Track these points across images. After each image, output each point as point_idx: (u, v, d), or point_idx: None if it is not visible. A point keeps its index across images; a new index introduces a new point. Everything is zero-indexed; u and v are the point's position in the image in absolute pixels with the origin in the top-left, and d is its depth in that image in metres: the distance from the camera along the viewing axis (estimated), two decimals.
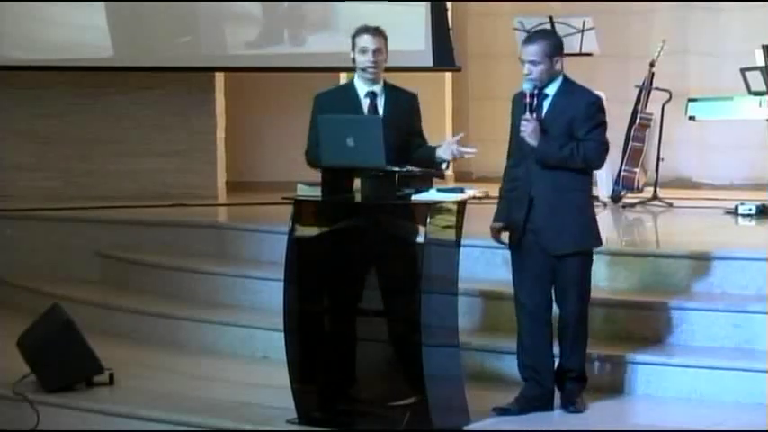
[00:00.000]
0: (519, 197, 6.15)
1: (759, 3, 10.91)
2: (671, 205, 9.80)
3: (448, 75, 12.07)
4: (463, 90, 12.43)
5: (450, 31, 10.94)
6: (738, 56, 9.99)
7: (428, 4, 10.68)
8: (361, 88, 6.36)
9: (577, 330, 6.19)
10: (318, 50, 10.35)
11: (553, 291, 6.19)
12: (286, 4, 10.76)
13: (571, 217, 6.09)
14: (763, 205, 9.16)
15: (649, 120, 9.98)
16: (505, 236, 6.30)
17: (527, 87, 6.07)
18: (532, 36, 6.27)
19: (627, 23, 11.60)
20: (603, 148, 6.11)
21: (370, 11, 10.36)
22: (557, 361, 6.25)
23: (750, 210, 9.11)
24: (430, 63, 10.73)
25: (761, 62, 9.32)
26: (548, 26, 10.02)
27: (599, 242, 6.26)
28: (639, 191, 9.94)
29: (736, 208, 9.18)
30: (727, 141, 11.20)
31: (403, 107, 6.38)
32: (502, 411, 6.14)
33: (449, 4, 11.39)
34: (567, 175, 6.05)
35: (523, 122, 6.04)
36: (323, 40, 10.40)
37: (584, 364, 6.25)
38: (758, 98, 9.34)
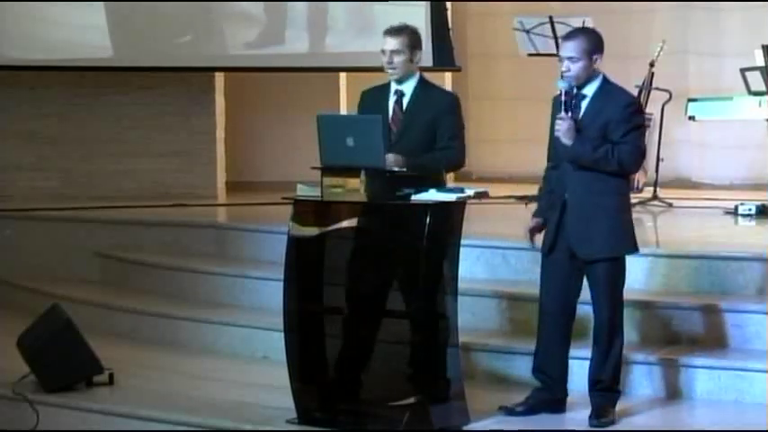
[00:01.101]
0: (554, 200, 6.04)
1: (759, 3, 10.91)
2: (671, 205, 9.80)
3: (448, 75, 12.06)
4: (463, 90, 12.40)
5: (450, 31, 10.94)
6: (738, 56, 10.00)
7: (428, 4, 10.68)
8: (393, 86, 6.33)
9: (610, 339, 6.02)
10: (318, 50, 10.37)
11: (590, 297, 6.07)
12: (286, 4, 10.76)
13: (604, 221, 5.94)
14: (763, 205, 9.16)
15: (649, 120, 9.96)
16: (539, 239, 6.18)
17: (562, 85, 5.92)
18: (572, 32, 6.13)
19: (627, 23, 11.60)
20: (639, 152, 5.94)
21: (370, 11, 10.37)
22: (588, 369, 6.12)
23: (750, 210, 9.11)
24: (430, 63, 10.71)
25: (761, 62, 9.32)
26: (548, 26, 10.04)
27: (634, 248, 6.09)
28: (639, 191, 9.93)
29: (736, 208, 9.19)
30: (727, 141, 11.21)
31: (432, 105, 6.24)
32: (508, 411, 6.12)
33: (449, 4, 11.39)
34: (601, 178, 5.89)
35: (558, 121, 5.90)
36: (323, 40, 10.42)
37: (616, 376, 6.06)
38: (758, 98, 9.34)
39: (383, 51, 6.26)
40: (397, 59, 6.19)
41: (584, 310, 6.87)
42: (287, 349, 6.18)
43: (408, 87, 6.29)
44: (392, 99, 6.31)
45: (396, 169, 5.94)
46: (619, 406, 6.10)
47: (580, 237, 5.96)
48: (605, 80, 5.99)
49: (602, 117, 5.91)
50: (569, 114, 5.90)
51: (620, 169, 5.92)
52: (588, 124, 5.91)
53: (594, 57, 5.90)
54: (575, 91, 5.93)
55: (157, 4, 10.30)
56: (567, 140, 5.89)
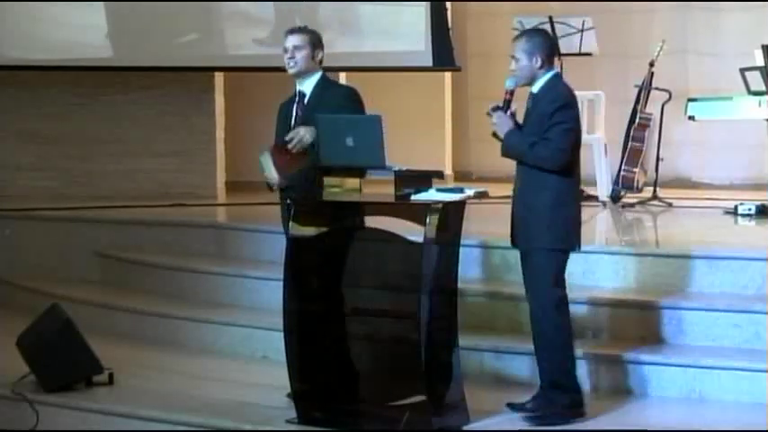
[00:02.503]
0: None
1: (759, 3, 10.91)
2: (671, 205, 9.79)
3: (448, 75, 12.07)
4: (463, 90, 12.43)
5: (450, 31, 10.94)
6: (738, 56, 9.99)
7: (428, 4, 10.68)
8: (296, 89, 6.45)
9: (543, 335, 6.04)
10: None
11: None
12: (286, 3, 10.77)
13: (540, 215, 5.99)
14: (763, 205, 9.16)
15: (649, 120, 9.97)
16: None
17: (507, 84, 6.11)
18: (519, 33, 6.31)
19: (627, 23, 11.60)
20: (557, 148, 5.94)
21: (370, 11, 10.38)
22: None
23: (750, 210, 9.11)
24: (430, 63, 10.73)
25: (761, 62, 9.31)
26: (547, 26, 10.03)
27: (568, 245, 6.06)
28: (639, 191, 9.94)
29: (736, 208, 9.18)
30: (727, 141, 11.20)
31: (329, 101, 6.33)
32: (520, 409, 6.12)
33: (449, 4, 11.39)
34: (538, 173, 5.97)
35: (494, 114, 6.06)
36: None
37: (552, 377, 6.05)
38: (758, 98, 9.33)
39: (285, 49, 6.37)
40: (299, 55, 6.33)
41: (582, 308, 6.91)
42: (287, 349, 6.18)
43: (308, 87, 6.40)
44: (295, 102, 6.42)
45: (395, 169, 5.94)
46: (621, 405, 6.10)
47: (519, 229, 6.10)
48: (553, 77, 6.11)
49: (536, 112, 6.04)
50: (508, 111, 6.06)
51: (540, 164, 5.96)
52: (527, 119, 6.07)
53: (535, 57, 6.02)
54: (514, 88, 6.08)
55: (157, 4, 10.30)
56: (499, 132, 6.06)
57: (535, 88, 6.08)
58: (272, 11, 10.71)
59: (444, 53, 10.76)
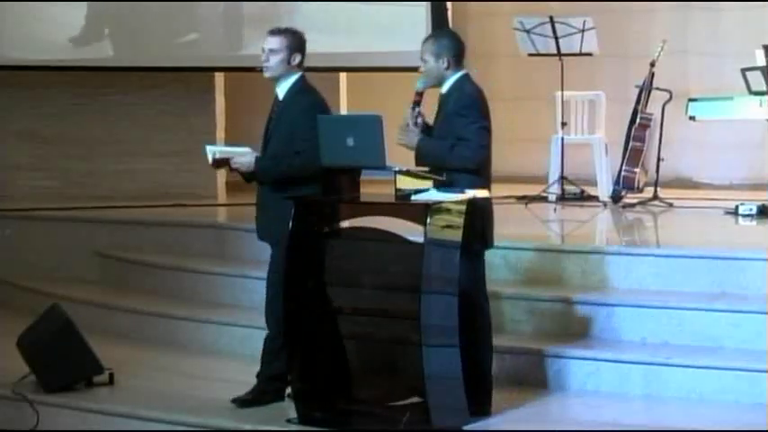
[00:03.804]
0: None
1: (759, 3, 10.90)
2: (671, 205, 9.79)
3: None
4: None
5: None
6: (738, 56, 9.98)
7: (428, 4, 10.67)
8: (276, 90, 6.44)
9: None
10: (317, 50, 10.35)
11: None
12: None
13: None
14: (763, 205, 9.15)
15: (649, 120, 9.97)
16: None
17: (417, 85, 6.17)
18: (428, 35, 6.37)
19: (627, 23, 11.59)
20: (479, 145, 5.99)
21: (370, 11, 10.37)
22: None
23: (750, 210, 9.10)
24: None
25: (761, 62, 9.31)
26: (548, 26, 10.04)
27: (479, 244, 6.07)
28: (640, 191, 9.93)
29: (737, 208, 9.17)
30: (727, 141, 11.19)
31: (292, 110, 6.31)
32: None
33: (449, 4, 11.38)
34: (452, 175, 6.00)
35: (399, 128, 6.13)
36: (322, 40, 10.41)
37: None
38: (758, 98, 9.33)
39: (262, 50, 6.37)
40: (273, 58, 6.31)
41: (582, 308, 6.91)
42: (287, 349, 6.18)
43: (282, 91, 6.39)
44: (276, 105, 6.43)
45: (395, 169, 5.94)
46: (621, 405, 6.09)
47: None
48: (461, 78, 6.15)
49: (444, 112, 6.09)
50: (416, 112, 6.13)
51: (463, 164, 5.99)
52: (437, 120, 6.13)
53: (442, 58, 6.09)
54: (424, 90, 6.13)
55: (157, 4, 10.30)
56: (410, 144, 6.08)
57: (444, 89, 6.18)
58: (272, 11, 10.70)
59: None
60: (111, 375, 6.91)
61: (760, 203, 9.17)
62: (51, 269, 9.35)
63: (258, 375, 6.45)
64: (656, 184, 9.92)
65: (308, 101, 6.34)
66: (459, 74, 6.14)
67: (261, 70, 6.41)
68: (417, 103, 6.15)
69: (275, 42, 6.32)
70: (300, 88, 6.38)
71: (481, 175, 6.06)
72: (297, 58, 6.34)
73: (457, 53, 6.15)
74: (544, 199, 10.02)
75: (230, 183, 11.03)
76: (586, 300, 6.97)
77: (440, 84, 6.16)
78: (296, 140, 6.19)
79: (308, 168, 6.11)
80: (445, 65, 6.11)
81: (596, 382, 6.55)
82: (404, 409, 5.92)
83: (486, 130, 6.04)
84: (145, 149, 10.67)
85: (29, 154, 10.55)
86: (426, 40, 6.23)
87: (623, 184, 9.93)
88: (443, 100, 6.16)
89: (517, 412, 6.18)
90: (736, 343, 6.60)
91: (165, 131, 10.73)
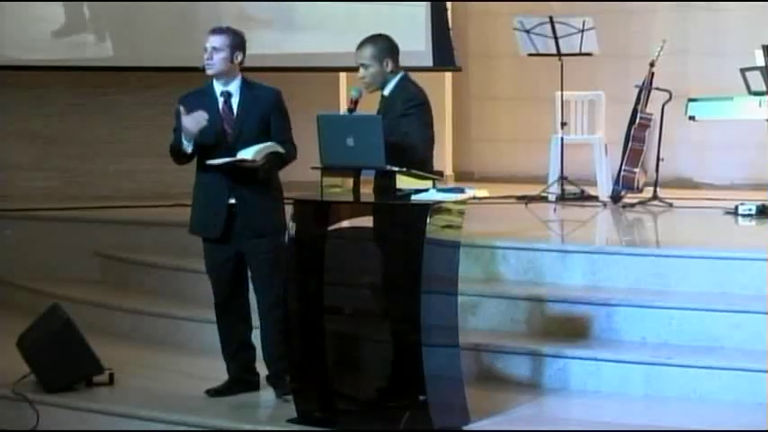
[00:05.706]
0: None
1: (759, 3, 10.90)
2: (671, 205, 9.79)
3: (448, 75, 12.05)
4: (463, 90, 12.42)
5: (451, 31, 10.94)
6: (738, 56, 9.98)
7: (428, 4, 10.68)
8: (218, 88, 6.52)
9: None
10: (317, 50, 10.36)
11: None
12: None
13: None
14: (763, 205, 9.15)
15: (649, 120, 9.96)
16: None
17: (353, 94, 6.18)
18: (362, 41, 6.34)
19: (627, 23, 11.59)
20: (422, 138, 6.11)
21: (370, 11, 10.37)
22: None
23: (750, 210, 9.10)
24: (430, 63, 10.72)
25: (761, 62, 9.31)
26: (548, 26, 10.04)
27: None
28: (639, 191, 9.93)
29: (737, 208, 9.17)
30: (727, 141, 11.20)
31: (260, 102, 6.47)
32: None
33: (449, 4, 11.39)
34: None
35: None
36: (321, 40, 10.41)
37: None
38: (758, 98, 9.33)
39: (205, 48, 6.45)
40: (216, 56, 6.41)
41: (582, 308, 6.91)
42: (287, 349, 6.18)
43: (234, 87, 6.49)
44: (220, 101, 6.48)
45: (395, 169, 5.94)
46: (621, 405, 6.09)
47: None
48: (403, 79, 6.22)
49: (391, 114, 6.11)
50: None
51: (409, 157, 6.00)
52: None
53: (386, 61, 6.19)
54: (359, 98, 6.12)
55: (157, 4, 10.30)
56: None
57: (386, 91, 6.22)
58: (271, 11, 10.70)
59: (445, 53, 10.76)
60: (111, 375, 6.91)
61: (760, 203, 9.17)
62: (51, 269, 9.35)
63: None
64: (655, 184, 9.92)
65: (273, 90, 6.57)
66: (400, 75, 6.23)
67: (203, 69, 6.49)
68: (351, 111, 6.14)
69: (218, 41, 6.44)
70: (252, 82, 6.55)
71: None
72: (239, 57, 6.47)
73: (396, 54, 6.24)
74: (544, 199, 10.03)
75: None
76: (586, 300, 6.97)
77: (382, 87, 6.21)
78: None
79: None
80: (389, 67, 6.18)
81: (596, 382, 6.56)
82: (404, 409, 5.92)
83: (430, 128, 6.16)
84: (145, 149, 10.65)
85: (29, 154, 10.54)
86: (363, 45, 6.26)
87: (623, 184, 9.93)
88: (388, 102, 6.20)
89: (517, 412, 6.19)
90: (736, 343, 6.60)
91: (166, 131, 10.68)
